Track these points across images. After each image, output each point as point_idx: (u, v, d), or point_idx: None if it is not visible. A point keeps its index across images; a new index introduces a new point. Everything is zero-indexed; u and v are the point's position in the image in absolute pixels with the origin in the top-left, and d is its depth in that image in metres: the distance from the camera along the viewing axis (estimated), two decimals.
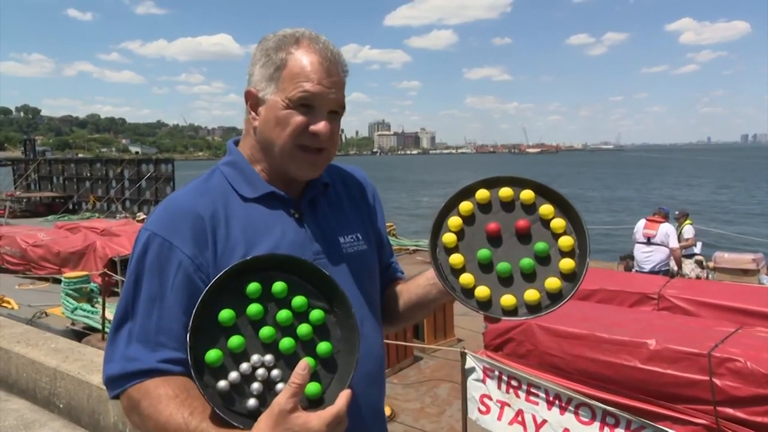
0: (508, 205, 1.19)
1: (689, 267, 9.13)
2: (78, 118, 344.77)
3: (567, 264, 1.12)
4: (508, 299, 1.12)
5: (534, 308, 1.12)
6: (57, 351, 4.82)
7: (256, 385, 1.00)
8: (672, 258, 7.84)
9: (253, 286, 1.04)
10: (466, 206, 1.18)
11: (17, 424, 4.41)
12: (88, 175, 25.20)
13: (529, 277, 1.13)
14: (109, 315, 7.54)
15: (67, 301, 8.26)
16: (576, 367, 3.40)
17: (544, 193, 1.18)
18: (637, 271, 7.92)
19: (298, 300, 1.06)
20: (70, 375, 4.37)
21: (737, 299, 4.60)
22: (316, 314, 1.06)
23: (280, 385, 1.01)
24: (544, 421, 3.05)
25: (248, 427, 0.96)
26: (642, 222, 7.98)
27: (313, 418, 0.94)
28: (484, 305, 1.13)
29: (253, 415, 0.97)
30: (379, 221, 1.46)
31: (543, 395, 3.09)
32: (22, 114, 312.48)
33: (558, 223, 1.14)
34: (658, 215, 7.93)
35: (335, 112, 1.23)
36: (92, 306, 8.24)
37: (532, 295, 1.11)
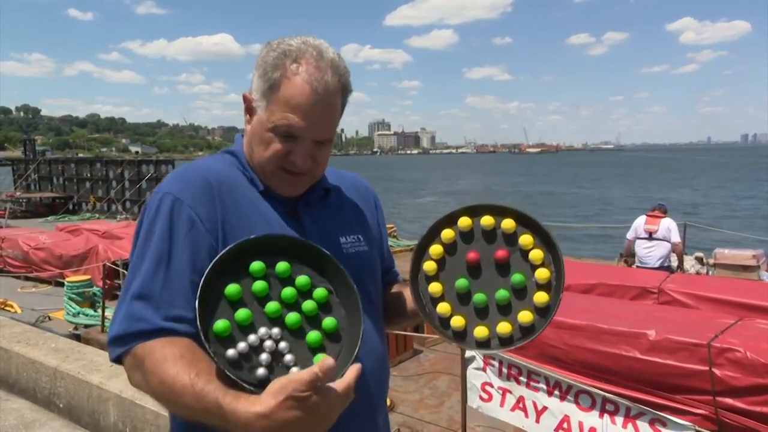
0: (489, 234, 1.20)
1: (690, 263, 9.12)
2: (78, 117, 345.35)
3: (541, 297, 1.13)
4: (481, 330, 1.14)
5: (506, 341, 1.14)
6: (57, 351, 4.83)
7: (264, 356, 1.01)
8: (673, 253, 7.84)
9: (257, 265, 1.06)
10: (447, 234, 1.20)
11: (17, 424, 4.41)
12: (89, 175, 25.23)
13: (504, 309, 1.15)
14: (109, 315, 7.56)
15: (70, 306, 8.28)
16: (575, 357, 3.39)
17: (525, 222, 1.19)
18: (638, 266, 7.91)
19: (302, 279, 1.08)
20: (70, 375, 4.37)
21: (737, 294, 4.59)
22: (320, 292, 1.08)
23: (288, 357, 1.02)
24: (545, 408, 3.06)
25: (257, 393, 0.95)
26: (642, 218, 7.95)
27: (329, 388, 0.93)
28: (459, 335, 1.15)
29: (263, 384, 0.96)
30: (381, 228, 1.47)
31: (543, 383, 3.10)
32: (22, 114, 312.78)
33: (536, 254, 1.16)
34: (658, 211, 7.92)
35: (321, 141, 1.22)
36: (95, 311, 8.24)
37: (504, 327, 1.13)
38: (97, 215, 21.83)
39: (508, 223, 1.18)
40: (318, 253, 1.10)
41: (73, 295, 8.38)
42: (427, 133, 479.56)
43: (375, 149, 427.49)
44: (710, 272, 9.09)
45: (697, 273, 8.95)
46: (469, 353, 3.49)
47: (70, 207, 24.18)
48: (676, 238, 7.68)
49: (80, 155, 63.37)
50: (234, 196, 1.21)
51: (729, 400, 2.96)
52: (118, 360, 1.11)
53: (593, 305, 4.04)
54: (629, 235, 8.06)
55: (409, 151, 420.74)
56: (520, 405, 3.19)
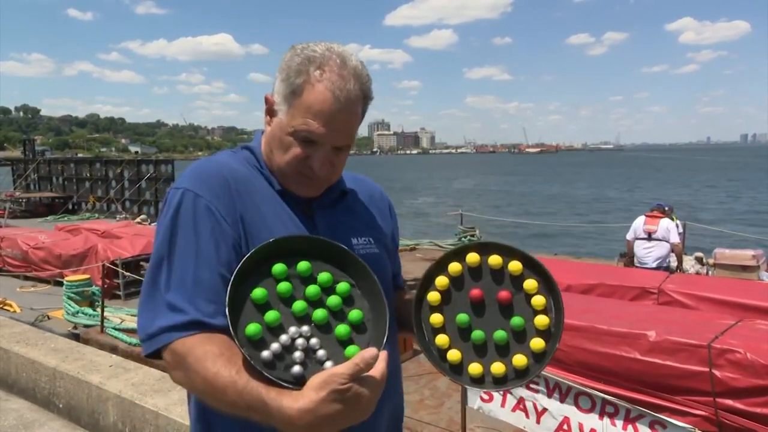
0: (496, 273, 1.21)
1: (689, 263, 9.10)
2: (78, 117, 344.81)
3: (537, 344, 1.15)
4: (475, 368, 1.15)
5: (499, 381, 1.16)
6: (56, 351, 4.82)
7: (298, 354, 1.04)
8: (673, 253, 7.83)
9: (279, 267, 1.09)
10: (455, 267, 1.21)
11: (17, 424, 4.40)
12: (88, 175, 25.18)
13: (501, 349, 1.17)
14: (108, 314, 7.55)
15: (69, 305, 8.25)
16: (575, 358, 3.39)
17: (532, 266, 1.20)
18: (638, 267, 7.90)
19: (324, 276, 1.11)
20: (69, 375, 4.36)
21: (737, 294, 4.59)
22: (342, 286, 1.12)
23: (320, 352, 1.05)
24: (545, 409, 3.06)
25: (296, 389, 0.98)
26: (641, 218, 7.95)
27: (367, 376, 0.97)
28: (455, 369, 1.17)
29: (299, 381, 1.00)
30: (394, 234, 1.49)
31: (542, 385, 3.10)
32: (21, 114, 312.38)
33: (538, 300, 1.17)
34: (657, 211, 7.91)
35: (340, 147, 1.24)
36: (94, 309, 8.22)
37: (498, 368, 1.14)
38: (96, 215, 21.79)
39: (515, 266, 1.20)
40: (336, 249, 1.14)
41: (72, 294, 8.36)
42: (426, 133, 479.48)
43: (375, 149, 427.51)
44: (710, 272, 9.07)
45: (697, 273, 8.93)
46: None
47: (70, 207, 24.12)
48: (675, 238, 7.68)
49: (80, 155, 63.31)
50: (250, 193, 1.23)
51: (729, 402, 2.97)
52: (153, 355, 1.12)
53: (593, 306, 4.04)
54: (628, 236, 8.05)
55: (408, 151, 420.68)
56: (521, 406, 3.19)
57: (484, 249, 1.22)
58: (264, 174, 1.28)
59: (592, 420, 2.84)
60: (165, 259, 1.14)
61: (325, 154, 1.21)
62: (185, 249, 1.14)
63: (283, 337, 1.04)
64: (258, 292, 1.06)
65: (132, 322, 7.42)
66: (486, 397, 3.34)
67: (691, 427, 2.56)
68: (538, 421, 3.10)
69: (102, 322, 7.34)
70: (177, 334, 1.08)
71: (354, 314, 1.10)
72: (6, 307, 8.66)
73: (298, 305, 1.08)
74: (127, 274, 9.39)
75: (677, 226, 8.28)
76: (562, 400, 2.98)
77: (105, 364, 4.43)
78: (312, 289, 1.10)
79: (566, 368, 3.41)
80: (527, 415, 3.15)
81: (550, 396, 3.04)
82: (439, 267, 1.23)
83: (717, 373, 2.98)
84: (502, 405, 3.27)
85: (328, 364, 1.03)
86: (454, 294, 1.21)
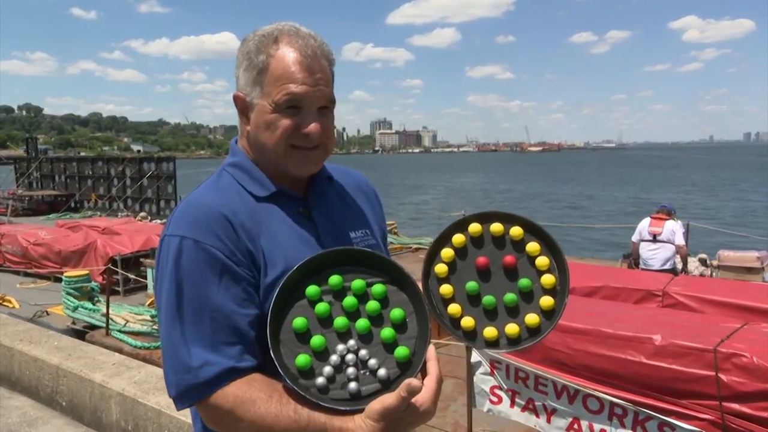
0: (498, 240, 1.25)
1: (693, 265, 9.08)
2: (80, 116, 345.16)
3: (547, 302, 1.18)
4: (490, 331, 1.18)
5: (514, 341, 1.19)
6: (59, 349, 4.82)
7: (351, 370, 1.06)
8: (678, 255, 7.82)
9: (313, 289, 1.10)
10: (458, 239, 1.24)
11: (20, 422, 4.41)
12: (90, 173, 25.25)
13: (512, 311, 1.20)
14: (113, 313, 7.54)
15: (68, 300, 8.26)
16: (580, 362, 3.38)
17: (533, 230, 1.23)
18: (643, 269, 7.89)
19: (357, 283, 1.12)
20: (72, 373, 4.37)
21: (742, 296, 4.57)
22: (377, 289, 1.13)
23: (372, 362, 1.07)
24: (555, 409, 3.06)
25: (355, 407, 1.03)
26: (647, 220, 7.95)
27: (417, 401, 1.03)
28: (469, 335, 1.20)
29: (356, 397, 1.05)
30: (382, 223, 1.48)
31: (551, 388, 3.10)
32: (24, 112, 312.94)
33: (542, 261, 1.21)
34: (662, 213, 7.90)
35: (325, 107, 1.22)
36: (93, 304, 8.23)
37: (512, 329, 1.17)
38: (98, 213, 21.83)
39: (516, 231, 1.23)
40: (358, 253, 1.15)
41: (71, 290, 8.36)
42: (428, 132, 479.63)
43: (376, 148, 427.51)
44: (714, 274, 9.05)
45: (701, 275, 8.90)
46: (475, 358, 3.47)
47: (72, 205, 24.16)
48: (680, 240, 7.67)
49: (82, 154, 63.40)
50: (252, 220, 1.19)
51: (735, 405, 2.96)
52: (185, 407, 1.14)
53: (598, 309, 4.02)
54: (634, 238, 8.06)
55: (410, 150, 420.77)
56: (530, 406, 3.20)
57: (485, 218, 1.25)
58: (248, 188, 1.24)
59: (601, 422, 2.84)
60: (176, 311, 1.12)
61: (313, 115, 1.19)
62: (196, 297, 1.11)
63: (333, 358, 1.06)
64: (299, 322, 1.07)
65: (136, 323, 7.42)
66: (495, 399, 3.34)
67: (699, 430, 2.55)
68: (548, 421, 3.11)
69: (107, 324, 7.31)
70: (213, 388, 1.08)
71: (395, 313, 1.11)
72: (5, 303, 8.68)
73: (340, 322, 1.09)
74: (132, 276, 9.40)
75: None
76: (570, 402, 2.98)
77: (108, 363, 4.43)
78: (349, 301, 1.10)
79: (571, 371, 3.40)
80: (537, 415, 3.17)
81: (558, 398, 3.03)
82: (443, 240, 1.25)
83: (723, 377, 2.97)
84: (512, 406, 3.28)
85: (381, 372, 1.06)
86: (459, 264, 1.23)
